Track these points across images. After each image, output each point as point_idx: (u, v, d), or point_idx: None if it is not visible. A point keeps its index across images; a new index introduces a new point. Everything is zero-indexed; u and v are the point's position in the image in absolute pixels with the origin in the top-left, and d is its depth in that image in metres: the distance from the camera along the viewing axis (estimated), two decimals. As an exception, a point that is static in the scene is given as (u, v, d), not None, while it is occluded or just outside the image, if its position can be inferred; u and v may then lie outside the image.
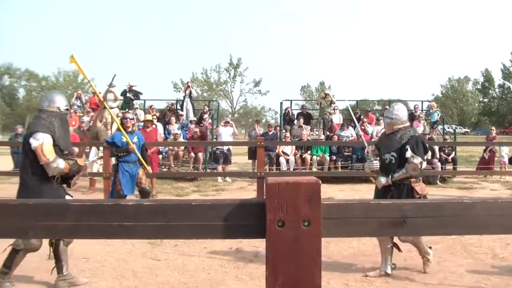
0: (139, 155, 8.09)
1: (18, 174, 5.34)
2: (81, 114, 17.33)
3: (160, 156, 14.84)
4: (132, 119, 8.51)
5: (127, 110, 17.96)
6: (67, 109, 5.29)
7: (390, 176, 5.61)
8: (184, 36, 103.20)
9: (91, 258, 6.29)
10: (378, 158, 5.90)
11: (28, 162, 4.99)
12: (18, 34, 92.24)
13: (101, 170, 12.61)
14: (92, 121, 13.45)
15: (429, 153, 5.90)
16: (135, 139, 8.25)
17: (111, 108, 17.75)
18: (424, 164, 5.69)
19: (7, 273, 5.01)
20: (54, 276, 5.31)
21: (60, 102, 5.22)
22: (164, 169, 14.79)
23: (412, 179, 5.57)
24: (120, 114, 17.14)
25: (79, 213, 1.60)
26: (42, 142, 4.84)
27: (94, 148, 12.62)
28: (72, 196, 5.37)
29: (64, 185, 5.25)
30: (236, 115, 66.50)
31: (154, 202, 1.59)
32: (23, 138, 5.16)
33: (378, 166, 5.80)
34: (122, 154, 8.10)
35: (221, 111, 28.80)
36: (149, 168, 8.60)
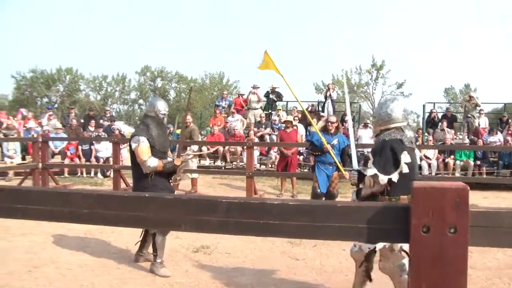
0: (334, 157, 7.75)
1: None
2: (226, 115, 18.00)
3: (301, 157, 14.98)
4: (334, 122, 8.62)
5: (270, 111, 18.40)
6: (164, 114, 5.96)
7: (355, 191, 4.51)
8: (324, 38, 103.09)
9: (233, 253, 6.54)
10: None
11: (133, 160, 5.80)
12: (171, 39, 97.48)
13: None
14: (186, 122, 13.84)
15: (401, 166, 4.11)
16: (335, 142, 8.34)
17: (255, 109, 18.27)
18: (388, 178, 4.10)
19: (156, 255, 5.72)
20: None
21: (159, 107, 5.94)
22: (305, 170, 14.77)
23: (382, 197, 4.18)
24: (263, 115, 17.61)
25: (228, 209, 1.69)
26: (139, 144, 5.63)
27: (189, 148, 12.99)
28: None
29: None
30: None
31: (299, 202, 1.63)
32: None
33: (356, 177, 4.52)
34: (316, 153, 8.32)
35: (362, 113, 28.44)
36: (345, 173, 8.41)
